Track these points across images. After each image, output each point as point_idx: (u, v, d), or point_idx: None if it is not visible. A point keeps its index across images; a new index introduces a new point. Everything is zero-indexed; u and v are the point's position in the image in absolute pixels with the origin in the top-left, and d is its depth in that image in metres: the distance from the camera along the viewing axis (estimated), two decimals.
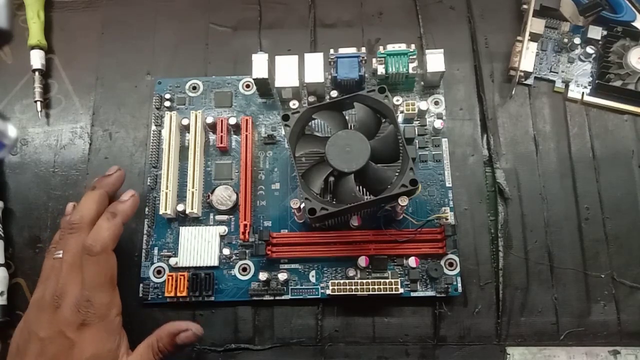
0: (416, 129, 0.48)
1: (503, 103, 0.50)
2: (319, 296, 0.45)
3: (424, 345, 0.45)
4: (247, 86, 0.50)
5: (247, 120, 0.48)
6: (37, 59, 0.51)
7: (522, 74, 0.49)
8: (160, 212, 0.45)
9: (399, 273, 0.45)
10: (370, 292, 0.43)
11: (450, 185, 0.47)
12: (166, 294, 0.44)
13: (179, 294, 0.44)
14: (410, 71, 0.46)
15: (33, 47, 0.51)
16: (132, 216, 0.42)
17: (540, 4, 0.50)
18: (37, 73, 0.51)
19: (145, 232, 0.47)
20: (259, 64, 0.46)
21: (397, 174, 0.41)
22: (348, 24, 0.53)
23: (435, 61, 0.46)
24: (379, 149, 0.41)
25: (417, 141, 0.48)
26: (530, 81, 0.50)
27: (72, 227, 0.40)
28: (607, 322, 0.44)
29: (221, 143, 0.48)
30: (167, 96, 0.50)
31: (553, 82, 0.50)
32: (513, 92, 0.50)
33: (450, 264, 0.45)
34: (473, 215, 0.47)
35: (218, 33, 0.53)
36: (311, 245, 0.45)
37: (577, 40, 0.50)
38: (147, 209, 0.47)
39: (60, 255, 0.39)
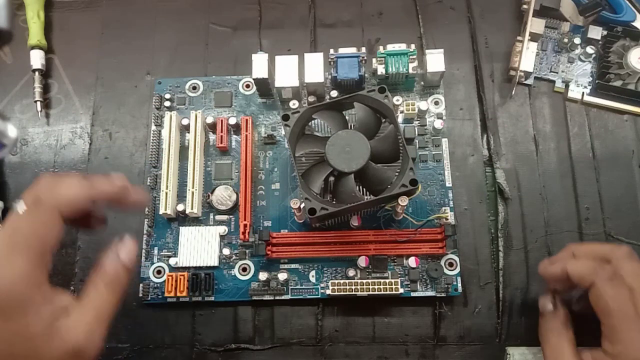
0: (416, 129, 0.48)
1: (503, 103, 0.50)
2: (319, 296, 0.45)
3: (424, 345, 0.45)
4: (247, 86, 0.50)
5: (247, 120, 0.48)
6: (37, 59, 0.51)
7: (522, 74, 0.49)
8: (160, 212, 0.45)
9: (399, 273, 0.45)
10: (370, 292, 0.43)
11: (450, 185, 0.47)
12: (166, 294, 0.44)
13: (179, 294, 0.44)
14: (410, 71, 0.46)
15: (33, 47, 0.51)
16: None
17: (540, 4, 0.50)
18: (37, 73, 0.51)
19: (145, 232, 0.47)
20: (259, 64, 0.46)
21: (397, 174, 0.41)
22: (348, 24, 0.53)
23: (435, 61, 0.46)
24: (379, 149, 0.41)
25: (417, 141, 0.48)
26: (530, 81, 0.50)
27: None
28: None
29: (221, 143, 0.48)
30: (167, 96, 0.50)
31: (553, 82, 0.50)
32: (513, 92, 0.50)
33: (450, 264, 0.45)
34: (473, 215, 0.47)
35: (218, 33, 0.53)
36: (311, 245, 0.45)
37: (577, 40, 0.50)
38: (147, 209, 0.47)
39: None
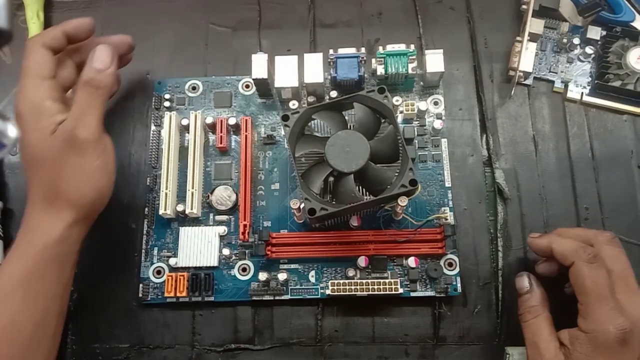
0: (416, 129, 0.48)
1: (502, 103, 0.50)
2: (319, 296, 0.45)
3: (423, 345, 0.45)
4: (247, 86, 0.50)
5: (246, 120, 0.48)
6: None
7: (521, 74, 0.49)
8: (160, 212, 0.45)
9: (398, 273, 0.45)
10: (370, 292, 0.43)
11: (450, 185, 0.47)
12: (166, 294, 0.45)
13: (178, 294, 0.44)
14: (410, 71, 0.46)
15: None
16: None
17: (539, 4, 0.50)
18: None
19: (145, 232, 0.47)
20: (259, 64, 0.46)
21: (396, 174, 0.41)
22: (348, 24, 0.53)
23: (435, 61, 0.46)
24: (379, 149, 0.41)
25: (416, 141, 0.48)
26: (529, 81, 0.50)
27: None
28: None
29: (221, 143, 0.48)
30: (167, 96, 0.50)
31: (552, 82, 0.50)
32: (512, 92, 0.50)
33: (450, 264, 0.45)
34: (472, 215, 0.47)
35: (218, 33, 0.53)
36: (311, 245, 0.45)
37: (576, 41, 0.50)
38: (147, 209, 0.47)
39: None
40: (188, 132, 0.48)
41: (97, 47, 0.42)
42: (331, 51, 0.46)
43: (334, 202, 0.41)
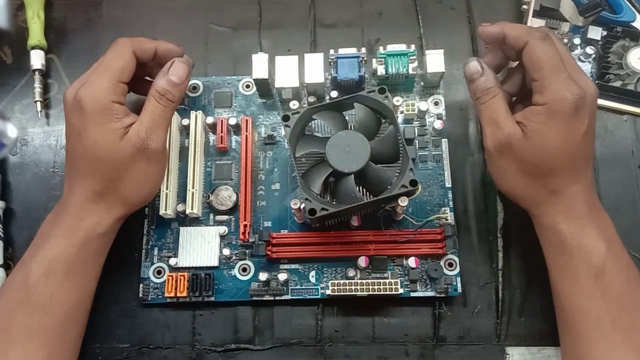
0: (416, 129, 0.48)
1: None
2: (319, 296, 0.45)
3: (423, 345, 0.45)
4: (247, 86, 0.50)
5: (247, 120, 0.48)
6: (37, 59, 0.51)
7: None
8: (160, 213, 0.45)
9: (398, 273, 0.45)
10: (370, 293, 0.43)
11: (450, 185, 0.47)
12: (166, 294, 0.44)
13: (179, 294, 0.44)
14: (410, 71, 0.46)
15: (33, 47, 0.51)
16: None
17: (540, 4, 0.50)
18: (37, 73, 0.51)
19: (145, 232, 0.47)
20: (259, 64, 0.46)
21: (397, 174, 0.41)
22: (348, 24, 0.53)
23: (435, 61, 0.46)
24: (379, 149, 0.41)
25: (417, 141, 0.48)
26: None
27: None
28: None
29: (221, 143, 0.48)
30: None
31: None
32: None
33: (450, 264, 0.45)
34: (473, 215, 0.47)
35: (218, 33, 0.53)
36: (311, 245, 0.45)
37: (576, 41, 0.50)
38: (147, 209, 0.47)
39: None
40: (188, 132, 0.48)
41: (175, 60, 0.42)
42: (332, 51, 0.46)
43: (334, 203, 0.41)
